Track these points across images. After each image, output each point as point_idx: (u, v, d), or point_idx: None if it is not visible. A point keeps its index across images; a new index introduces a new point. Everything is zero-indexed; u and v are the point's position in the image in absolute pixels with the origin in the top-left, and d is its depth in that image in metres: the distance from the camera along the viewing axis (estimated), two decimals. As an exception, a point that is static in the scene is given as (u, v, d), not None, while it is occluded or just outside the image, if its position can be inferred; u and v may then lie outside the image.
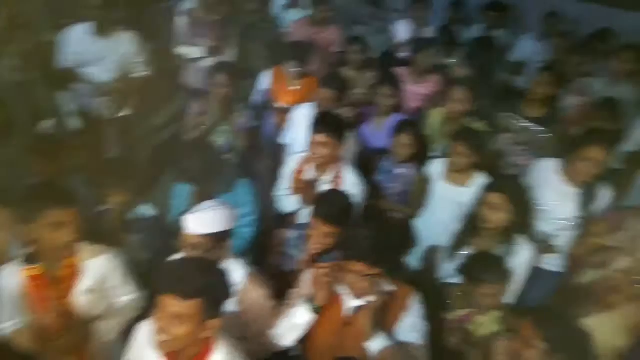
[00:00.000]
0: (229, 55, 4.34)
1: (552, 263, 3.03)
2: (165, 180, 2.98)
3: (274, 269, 2.48)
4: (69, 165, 2.82)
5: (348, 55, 4.16)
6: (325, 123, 2.70)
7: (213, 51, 4.28)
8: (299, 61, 3.83)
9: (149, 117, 4.49)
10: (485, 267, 2.42)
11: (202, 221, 2.04)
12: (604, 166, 2.76)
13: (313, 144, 2.70)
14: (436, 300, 2.56)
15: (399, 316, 2.06)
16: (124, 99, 3.95)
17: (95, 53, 3.76)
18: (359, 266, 1.93)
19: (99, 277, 2.24)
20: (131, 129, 4.10)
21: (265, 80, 3.99)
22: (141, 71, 3.98)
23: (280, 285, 2.29)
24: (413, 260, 3.31)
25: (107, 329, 2.29)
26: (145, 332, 1.82)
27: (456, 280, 2.64)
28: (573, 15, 5.00)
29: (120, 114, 3.97)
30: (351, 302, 2.05)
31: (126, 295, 2.37)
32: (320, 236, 2.30)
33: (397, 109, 3.62)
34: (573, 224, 2.90)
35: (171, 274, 1.63)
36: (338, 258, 2.04)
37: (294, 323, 2.05)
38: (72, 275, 2.18)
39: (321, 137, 2.67)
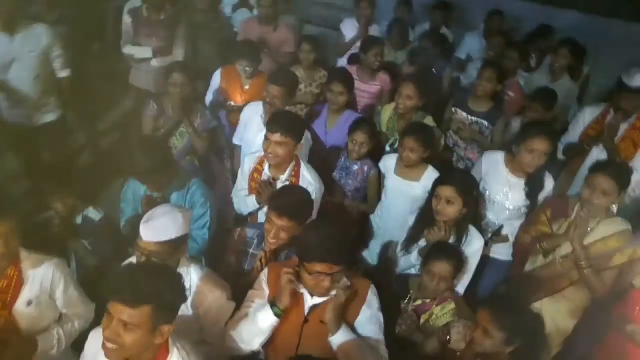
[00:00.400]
0: (177, 54, 4.25)
1: (502, 252, 3.13)
2: (114, 183, 2.89)
3: (233, 269, 2.44)
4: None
5: (300, 54, 4.15)
6: (280, 122, 2.69)
7: (160, 51, 4.19)
8: (250, 60, 3.79)
9: (93, 119, 4.30)
10: (441, 252, 2.49)
11: (157, 229, 1.99)
12: (548, 157, 2.88)
13: (269, 144, 2.69)
14: (393, 292, 2.62)
15: (358, 310, 2.08)
16: (46, 102, 3.69)
17: (6, 54, 3.44)
18: (320, 267, 1.93)
19: (42, 288, 2.16)
20: (68, 133, 3.90)
21: (217, 80, 3.94)
22: (63, 69, 3.70)
23: (241, 285, 2.27)
24: (371, 255, 3.37)
25: (54, 341, 2.20)
26: (96, 341, 1.76)
27: (414, 271, 2.70)
28: (515, 13, 5.19)
29: (49, 119, 3.72)
30: (312, 301, 2.05)
31: (74, 305, 2.28)
32: (277, 231, 2.29)
33: (348, 106, 3.64)
34: (520, 212, 3.02)
35: (119, 280, 1.59)
36: (296, 257, 2.04)
37: (258, 328, 2.03)
38: (13, 286, 2.10)
39: (277, 137, 2.66)
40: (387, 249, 3.23)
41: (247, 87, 3.87)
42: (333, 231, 1.98)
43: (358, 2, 4.85)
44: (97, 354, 1.69)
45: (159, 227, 2.00)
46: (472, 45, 5.12)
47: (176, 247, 2.06)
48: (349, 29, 4.90)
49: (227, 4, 5.29)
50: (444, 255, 2.48)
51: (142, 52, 4.21)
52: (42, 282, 2.15)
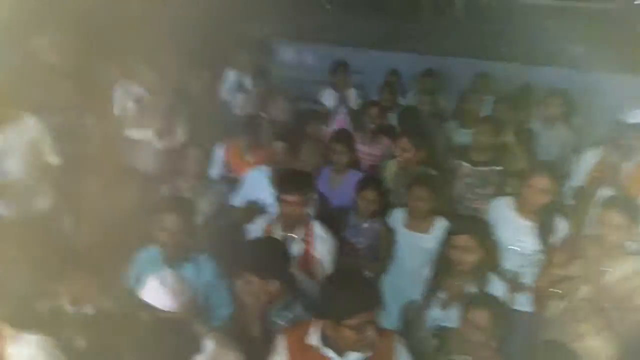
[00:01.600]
0: (180, 135, 4.38)
1: (523, 303, 3.04)
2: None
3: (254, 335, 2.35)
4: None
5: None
6: (294, 181, 2.74)
7: (163, 133, 4.32)
8: (250, 133, 3.92)
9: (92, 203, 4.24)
10: (480, 301, 2.38)
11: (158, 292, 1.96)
12: (552, 195, 2.90)
13: (283, 204, 2.70)
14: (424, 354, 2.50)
15: None
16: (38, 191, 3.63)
17: None
18: (361, 317, 1.84)
19: None
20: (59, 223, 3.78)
21: (220, 153, 4.04)
22: (53, 159, 3.66)
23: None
24: (388, 318, 3.25)
25: None
26: None
27: (447, 324, 2.58)
28: (501, 74, 5.44)
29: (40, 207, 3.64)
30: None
31: None
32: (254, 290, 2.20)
33: (351, 166, 3.71)
34: (534, 258, 2.97)
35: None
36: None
37: None
38: None
39: (291, 197, 2.69)
40: (406, 308, 3.13)
41: (250, 159, 3.94)
42: (361, 278, 1.94)
43: (334, 70, 5.04)
44: None
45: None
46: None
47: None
48: (328, 98, 5.10)
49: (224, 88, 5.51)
50: (484, 303, 2.36)
51: (145, 134, 4.33)
52: None
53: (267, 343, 2.17)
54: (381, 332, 2.02)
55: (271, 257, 2.27)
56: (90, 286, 2.54)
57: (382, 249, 3.27)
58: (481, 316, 2.29)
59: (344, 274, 2.14)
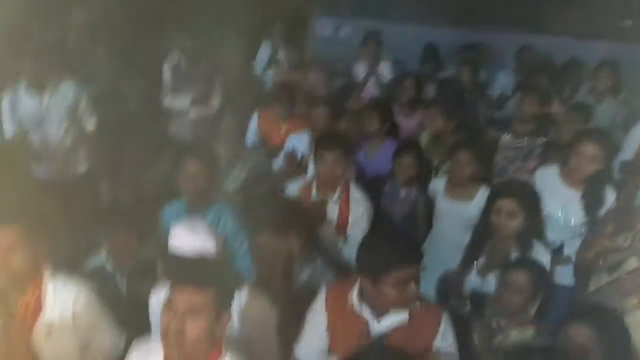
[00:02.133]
0: (214, 104, 4.40)
1: (565, 276, 2.93)
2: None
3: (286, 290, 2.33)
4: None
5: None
6: (333, 140, 2.73)
7: (199, 101, 4.33)
8: (286, 102, 3.91)
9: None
10: (521, 263, 2.30)
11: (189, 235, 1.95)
12: (601, 163, 2.78)
13: (321, 163, 2.69)
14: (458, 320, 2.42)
15: (429, 342, 1.88)
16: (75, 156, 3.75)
17: (36, 112, 3.53)
18: (403, 272, 1.76)
19: (64, 312, 1.90)
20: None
21: (255, 123, 4.03)
22: (89, 123, 3.74)
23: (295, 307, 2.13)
24: (426, 289, 3.18)
25: None
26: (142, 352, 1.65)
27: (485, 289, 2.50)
28: (545, 48, 5.25)
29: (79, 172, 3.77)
30: (378, 327, 1.87)
31: (99, 334, 2.02)
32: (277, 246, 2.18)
33: (388, 135, 3.66)
34: (580, 229, 2.85)
35: (183, 266, 1.58)
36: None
37: (311, 349, 1.91)
38: (32, 309, 1.87)
39: (330, 155, 2.67)
40: (442, 278, 3.06)
41: (284, 128, 3.91)
42: (401, 233, 1.88)
43: (365, 41, 4.98)
44: None
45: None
46: (504, 83, 5.14)
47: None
48: (360, 70, 5.03)
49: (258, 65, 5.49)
50: (524, 265, 2.29)
51: (181, 102, 4.35)
52: (65, 306, 1.91)
53: (294, 301, 2.15)
54: (428, 305, 1.96)
55: (293, 215, 2.28)
56: (130, 240, 2.57)
57: (420, 219, 3.20)
58: (521, 278, 2.21)
59: (383, 229, 2.09)
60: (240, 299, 2.01)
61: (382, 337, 1.85)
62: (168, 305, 1.49)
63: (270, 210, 2.41)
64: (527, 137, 3.61)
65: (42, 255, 1.89)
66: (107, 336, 2.05)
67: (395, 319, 1.84)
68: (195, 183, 2.57)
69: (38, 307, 1.88)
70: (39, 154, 3.60)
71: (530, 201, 2.53)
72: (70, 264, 2.49)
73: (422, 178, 3.24)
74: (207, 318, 1.48)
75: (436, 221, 3.13)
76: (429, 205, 3.17)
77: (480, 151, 3.00)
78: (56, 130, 3.61)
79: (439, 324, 1.89)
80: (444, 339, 1.89)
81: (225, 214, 2.63)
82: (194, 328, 1.46)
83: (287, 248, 2.17)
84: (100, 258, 2.64)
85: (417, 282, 1.81)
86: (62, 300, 1.91)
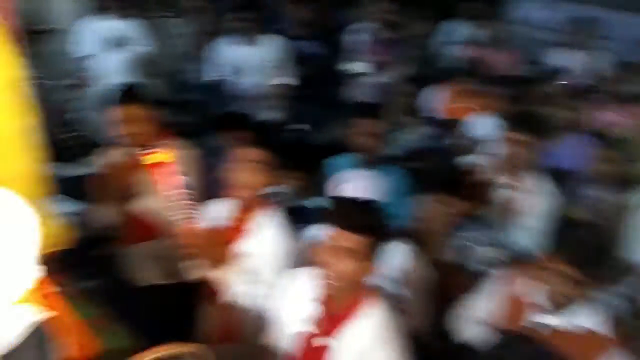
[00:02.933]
0: (394, 73, 4.37)
1: None
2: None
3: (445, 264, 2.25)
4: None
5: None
6: (526, 121, 2.51)
7: (382, 68, 4.36)
8: (472, 78, 3.76)
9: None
10: None
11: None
12: None
13: (510, 143, 2.49)
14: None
15: None
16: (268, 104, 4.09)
17: (242, 61, 3.97)
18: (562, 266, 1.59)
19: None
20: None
21: (434, 96, 3.92)
22: (290, 77, 4.09)
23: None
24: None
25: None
26: (302, 280, 1.77)
27: None
28: None
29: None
30: (542, 318, 1.69)
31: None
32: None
33: (575, 127, 3.30)
34: None
35: (343, 210, 1.66)
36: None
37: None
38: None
39: (521, 136, 2.46)
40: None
41: (467, 104, 3.72)
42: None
43: (577, 28, 4.53)
44: (302, 293, 1.73)
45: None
46: None
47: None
48: (559, 58, 4.56)
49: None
50: None
51: (362, 67, 4.41)
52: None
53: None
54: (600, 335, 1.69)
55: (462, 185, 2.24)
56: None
57: (611, 225, 2.81)
58: None
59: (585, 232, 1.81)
60: (398, 256, 2.06)
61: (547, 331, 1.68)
62: (326, 243, 1.62)
63: (440, 175, 2.41)
64: None
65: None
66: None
67: (567, 320, 1.66)
68: (368, 141, 2.65)
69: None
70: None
71: None
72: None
73: (622, 180, 2.83)
74: (357, 261, 1.59)
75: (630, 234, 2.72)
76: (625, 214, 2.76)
77: None
78: (258, 79, 4.00)
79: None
80: None
81: (394, 173, 2.70)
82: (346, 266, 1.58)
83: (452, 212, 2.16)
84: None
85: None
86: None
